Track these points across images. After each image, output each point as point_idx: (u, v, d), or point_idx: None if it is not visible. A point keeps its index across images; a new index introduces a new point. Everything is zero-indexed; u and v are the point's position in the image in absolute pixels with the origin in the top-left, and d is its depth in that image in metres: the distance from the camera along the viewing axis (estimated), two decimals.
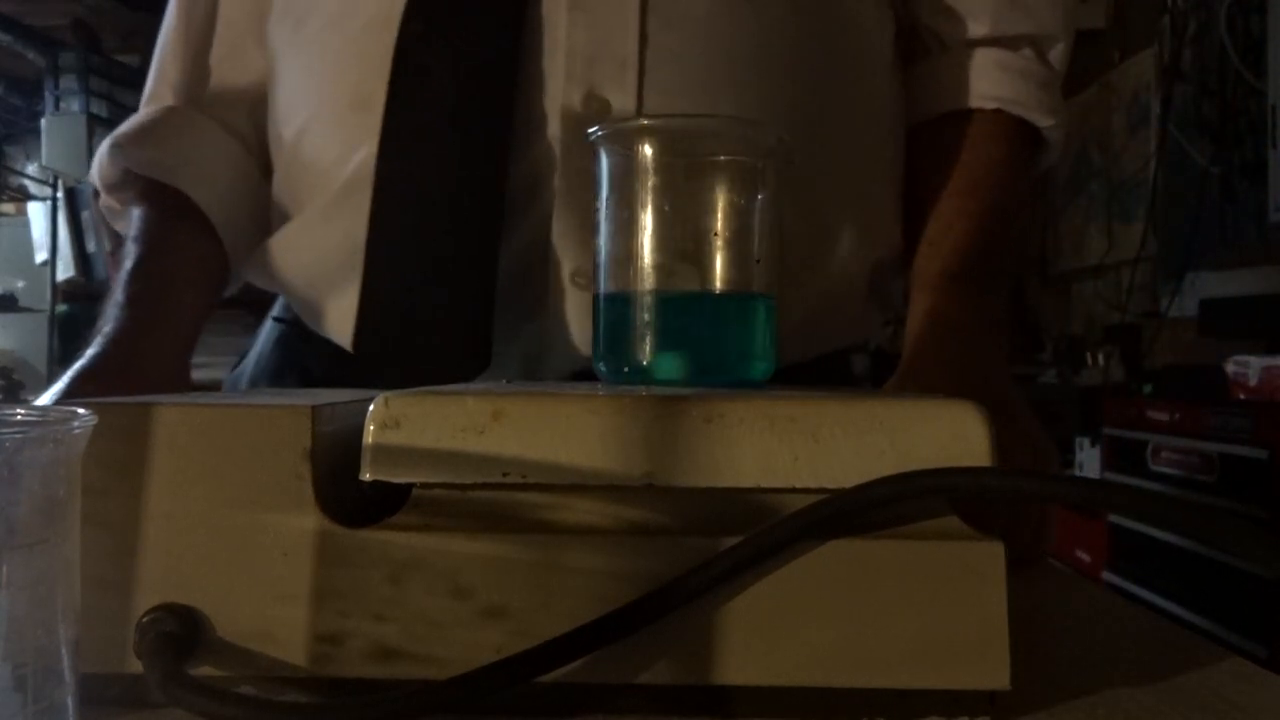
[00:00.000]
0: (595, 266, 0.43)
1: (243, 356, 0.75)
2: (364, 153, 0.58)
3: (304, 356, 0.68)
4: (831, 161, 0.62)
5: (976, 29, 0.69)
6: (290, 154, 0.65)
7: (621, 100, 0.56)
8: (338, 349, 0.65)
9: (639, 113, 0.56)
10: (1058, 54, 0.70)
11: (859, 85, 0.65)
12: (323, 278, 0.63)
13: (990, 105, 0.68)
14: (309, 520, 0.32)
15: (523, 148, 0.56)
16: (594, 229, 0.43)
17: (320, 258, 0.62)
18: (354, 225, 0.58)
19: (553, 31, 0.56)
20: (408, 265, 0.57)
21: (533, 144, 0.57)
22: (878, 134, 0.67)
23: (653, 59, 0.56)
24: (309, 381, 0.67)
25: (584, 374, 0.59)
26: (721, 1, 0.58)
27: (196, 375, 0.68)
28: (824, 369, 0.69)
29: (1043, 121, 0.69)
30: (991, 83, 0.69)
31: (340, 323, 0.62)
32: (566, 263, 0.57)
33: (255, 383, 0.71)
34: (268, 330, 0.73)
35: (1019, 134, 0.69)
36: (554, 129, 0.56)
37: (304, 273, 0.64)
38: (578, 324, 0.57)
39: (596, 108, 0.56)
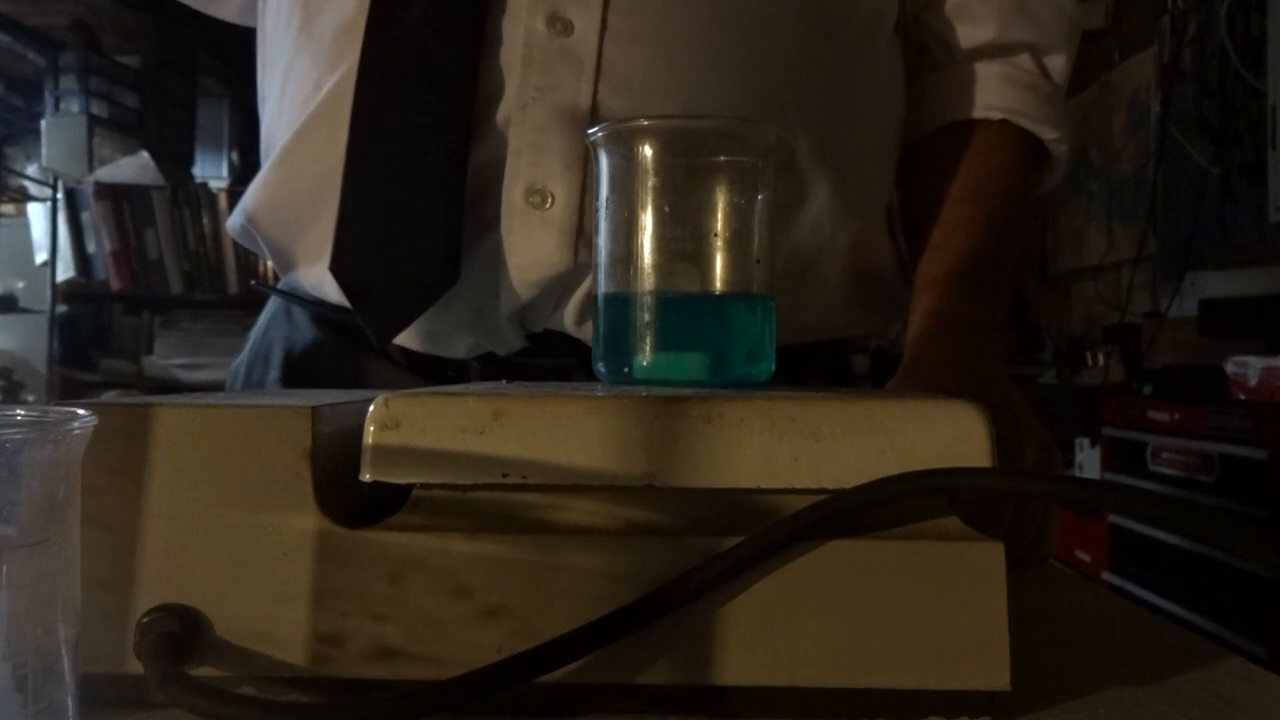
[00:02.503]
0: (595, 266, 0.43)
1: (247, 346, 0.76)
2: (338, 76, 0.59)
3: (287, 335, 0.69)
4: (805, 112, 0.62)
5: (983, 34, 0.69)
6: (278, 94, 0.66)
7: (584, 23, 0.57)
8: (313, 318, 0.67)
9: (601, 37, 0.56)
10: (1058, 66, 0.71)
11: (846, 46, 0.64)
12: (295, 213, 0.63)
13: (996, 116, 0.69)
14: (309, 520, 0.32)
15: (483, 69, 0.57)
16: (594, 229, 0.43)
17: (295, 189, 0.63)
18: (324, 151, 0.59)
19: None
20: (383, 183, 0.58)
21: (493, 66, 0.57)
22: (866, 101, 0.67)
23: None
24: (290, 360, 0.69)
25: (530, 317, 0.60)
26: None
27: (197, 375, 0.69)
28: (820, 361, 0.68)
29: (1047, 134, 0.70)
30: (997, 94, 0.69)
31: (312, 255, 0.63)
32: (520, 181, 0.57)
33: (251, 365, 0.72)
34: (265, 309, 0.75)
35: (1024, 146, 0.70)
36: (515, 51, 0.57)
37: (277, 211, 0.65)
38: (527, 244, 0.57)
39: (559, 28, 0.57)
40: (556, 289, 0.58)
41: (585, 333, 0.60)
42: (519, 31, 0.57)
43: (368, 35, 0.57)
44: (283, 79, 0.65)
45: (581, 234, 0.56)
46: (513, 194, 0.57)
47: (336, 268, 0.58)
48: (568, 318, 0.60)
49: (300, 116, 0.62)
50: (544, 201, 0.56)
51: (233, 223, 0.69)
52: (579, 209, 0.56)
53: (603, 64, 0.56)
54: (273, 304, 0.73)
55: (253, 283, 2.67)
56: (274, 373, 0.69)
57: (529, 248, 0.57)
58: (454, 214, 0.57)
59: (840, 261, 0.65)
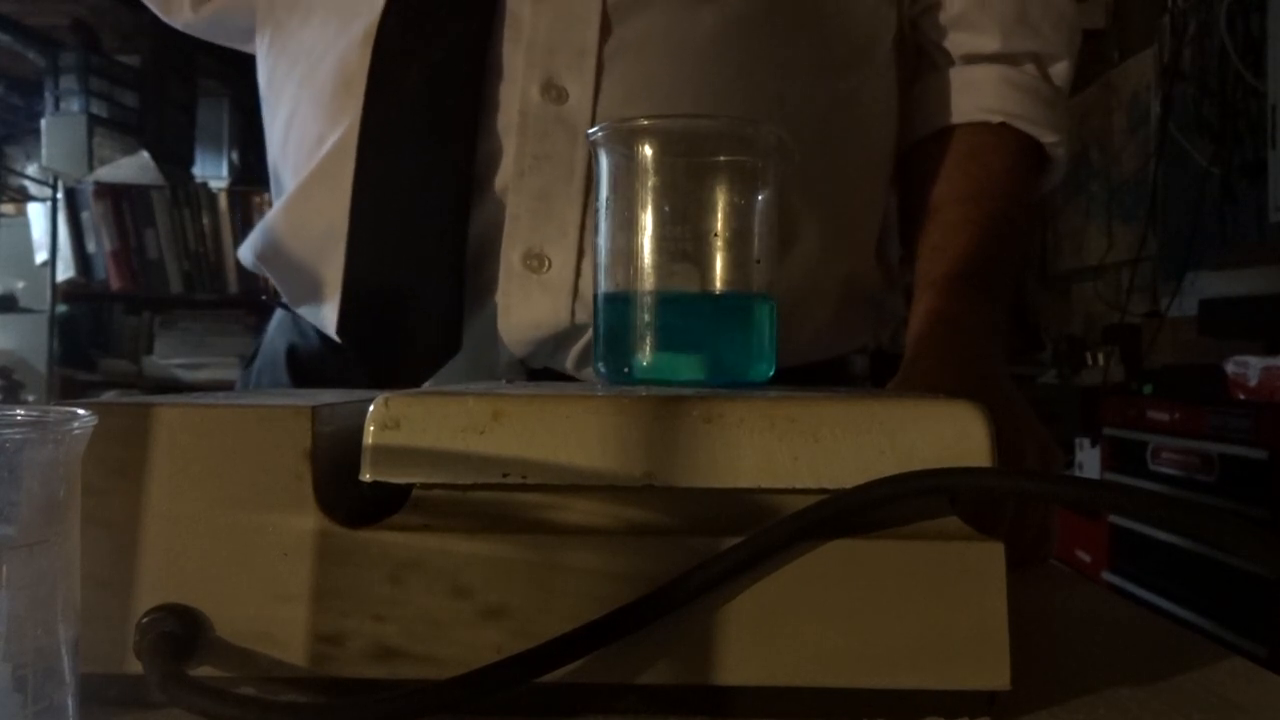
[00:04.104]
0: (595, 266, 0.43)
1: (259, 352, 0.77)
2: (340, 133, 0.60)
3: (293, 340, 0.70)
4: (797, 166, 0.62)
5: (986, 44, 0.69)
6: (282, 137, 0.67)
7: (579, 90, 0.57)
8: (320, 330, 0.67)
9: (595, 103, 0.57)
10: (1061, 72, 0.71)
11: (836, 91, 0.65)
12: (303, 260, 0.64)
13: (996, 119, 0.69)
14: (309, 520, 0.32)
15: (482, 134, 0.58)
16: (594, 229, 0.43)
17: (301, 240, 0.64)
18: (328, 206, 0.60)
19: (517, 23, 0.58)
20: (386, 248, 0.59)
21: (490, 131, 0.58)
22: (857, 141, 0.67)
23: (611, 50, 0.57)
24: (296, 364, 0.69)
25: (530, 360, 0.61)
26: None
27: (197, 375, 0.69)
28: (816, 373, 0.69)
29: (1047, 137, 0.70)
30: (998, 97, 0.69)
31: (320, 297, 0.64)
32: (518, 246, 0.58)
33: (260, 371, 0.73)
34: (274, 316, 0.76)
35: (1024, 149, 0.70)
36: (511, 117, 0.57)
37: (287, 256, 0.65)
38: (525, 306, 0.58)
39: (554, 96, 0.57)
40: (552, 343, 0.59)
41: (586, 376, 0.61)
42: (515, 98, 0.57)
43: (368, 97, 0.58)
44: (286, 120, 0.66)
45: (578, 295, 0.57)
46: (511, 258, 0.58)
47: (343, 333, 0.60)
48: (569, 363, 0.61)
49: (305, 167, 0.63)
50: (541, 265, 0.57)
51: (244, 256, 0.70)
52: (575, 271, 0.57)
53: None
54: (280, 310, 0.74)
55: (263, 298, 2.69)
56: (281, 375, 0.70)
57: (526, 310, 0.58)
58: (455, 288, 0.58)
59: (830, 299, 0.66)
